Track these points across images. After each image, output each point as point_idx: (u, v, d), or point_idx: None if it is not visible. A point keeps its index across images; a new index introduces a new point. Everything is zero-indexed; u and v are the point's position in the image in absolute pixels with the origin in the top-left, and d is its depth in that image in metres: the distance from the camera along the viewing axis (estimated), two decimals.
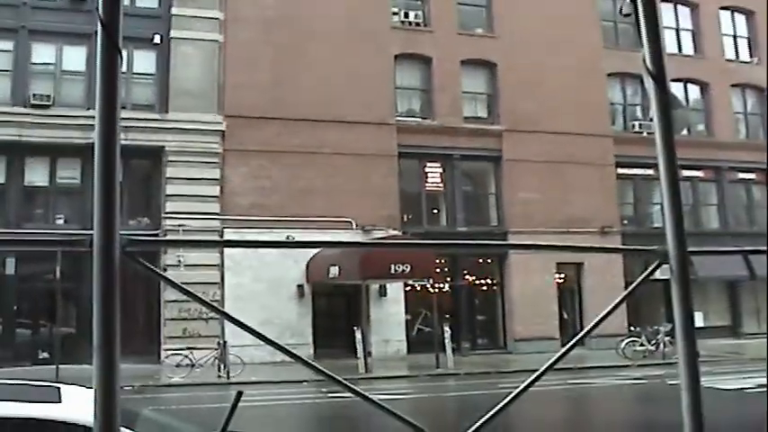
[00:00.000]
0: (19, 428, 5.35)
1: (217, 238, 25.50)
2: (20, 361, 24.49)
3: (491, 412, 1.71)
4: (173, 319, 26.16)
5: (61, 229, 25.66)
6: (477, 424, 1.70)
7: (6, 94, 26.77)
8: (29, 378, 12.00)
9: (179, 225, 26.13)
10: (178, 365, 25.25)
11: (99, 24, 1.71)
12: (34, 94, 26.62)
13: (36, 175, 26.74)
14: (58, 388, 6.25)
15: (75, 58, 27.38)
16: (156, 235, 24.63)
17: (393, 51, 29.99)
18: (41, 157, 26.57)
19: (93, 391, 3.89)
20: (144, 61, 27.53)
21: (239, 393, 2.37)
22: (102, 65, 1.63)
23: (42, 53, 27.38)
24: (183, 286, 2.00)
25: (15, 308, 26.03)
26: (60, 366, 22.68)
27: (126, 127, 24.08)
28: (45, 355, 25.11)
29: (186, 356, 25.46)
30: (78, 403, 5.73)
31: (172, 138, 26.91)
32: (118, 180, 1.51)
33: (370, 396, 1.78)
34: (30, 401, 5.61)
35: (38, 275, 25.58)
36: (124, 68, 25.69)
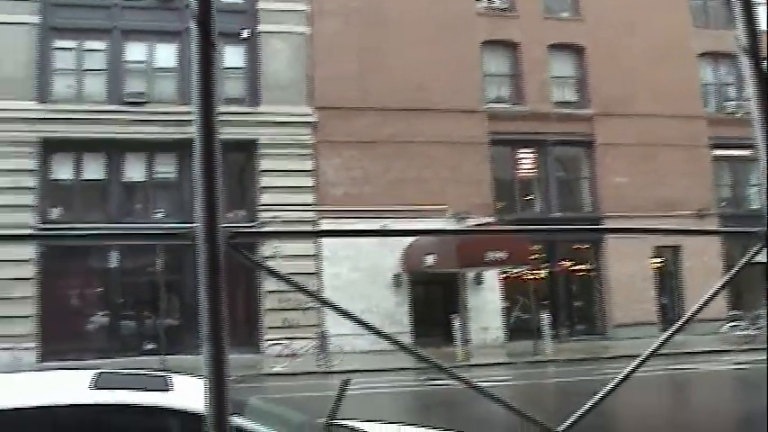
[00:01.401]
0: (131, 415, 5.68)
1: (313, 228, 27.57)
2: (126, 352, 26.57)
3: (595, 398, 1.67)
4: (272, 310, 28.06)
5: (160, 223, 27.78)
6: (582, 410, 1.68)
7: (102, 93, 29.04)
8: (136, 368, 13.24)
9: (274, 216, 28.04)
10: (279, 355, 27.16)
11: (193, 21, 1.72)
12: (129, 92, 28.86)
13: (134, 170, 28.91)
14: (168, 377, 6.56)
15: (166, 55, 29.59)
16: (253, 227, 26.56)
17: (479, 38, 31.64)
18: (139, 153, 28.74)
19: (201, 379, 5.66)
20: (233, 56, 29.55)
21: (346, 381, 2.97)
22: (198, 61, 1.70)
23: (135, 52, 29.61)
24: (289, 277, 1.92)
25: (121, 301, 28.15)
26: (165, 356, 24.71)
27: (221, 121, 26.14)
28: (150, 345, 27.18)
29: (287, 346, 27.39)
30: (188, 391, 6.00)
31: (264, 131, 28.85)
32: (219, 173, 1.53)
33: (476, 384, 1.78)
34: (141, 389, 5.90)
35: (140, 269, 27.76)
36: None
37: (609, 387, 1.64)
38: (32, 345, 26.36)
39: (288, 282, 1.81)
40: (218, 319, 1.47)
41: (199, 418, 4.77)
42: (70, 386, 6.10)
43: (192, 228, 1.58)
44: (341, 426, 6.43)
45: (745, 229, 1.68)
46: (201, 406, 3.74)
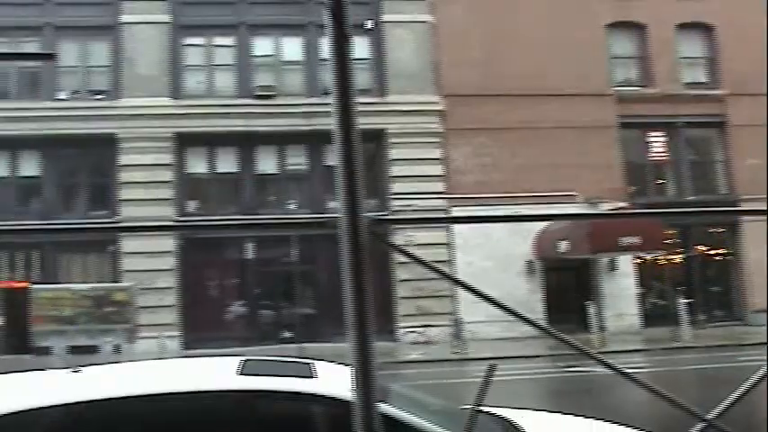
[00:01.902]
0: (279, 402, 5.90)
1: (445, 215, 28.15)
2: (264, 340, 27.61)
3: (744, 387, 1.65)
4: (406, 298, 28.73)
5: (293, 214, 28.75)
6: (731, 399, 1.68)
7: (232, 88, 30.17)
8: (279, 356, 13.58)
9: (406, 206, 28.72)
10: (414, 342, 27.80)
11: (328, 13, 1.92)
12: (258, 86, 29.90)
13: (266, 163, 29.95)
14: (311, 364, 6.76)
15: (293, 48, 30.58)
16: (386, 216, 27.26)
17: (604, 20, 31.76)
18: (270, 145, 29.76)
19: (343, 366, 5.93)
20: (359, 47, 30.18)
21: (492, 367, 2.83)
22: (333, 53, 1.85)
23: (262, 46, 30.67)
24: (433, 264, 2.32)
25: (258, 290, 29.21)
26: (303, 345, 25.56)
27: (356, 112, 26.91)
28: (287, 334, 28.14)
29: (421, 333, 28.00)
30: (332, 378, 6.17)
31: (392, 120, 29.52)
32: (359, 163, 1.63)
33: (625, 370, 1.76)
34: (286, 376, 6.13)
35: (276, 259, 28.74)
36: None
37: (759, 375, 1.61)
38: (176, 333, 27.59)
39: (432, 269, 2.21)
40: (362, 307, 1.60)
41: (344, 405, 4.75)
42: (218, 373, 6.40)
43: (335, 217, 1.77)
44: (486, 413, 6.53)
45: None
46: (347, 392, 4.09)
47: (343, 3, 1.90)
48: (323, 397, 5.73)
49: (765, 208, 2.40)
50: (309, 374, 6.23)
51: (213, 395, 5.83)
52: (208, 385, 5.96)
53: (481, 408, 2.84)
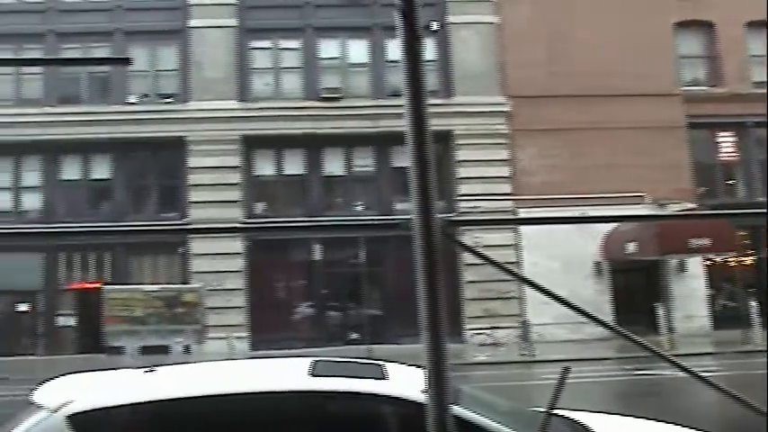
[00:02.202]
0: (350, 402, 5.95)
1: (513, 216, 28.26)
2: (332, 341, 28.02)
3: None
4: (473, 299, 28.91)
5: (360, 216, 29.08)
6: None
7: (299, 90, 30.62)
8: (349, 357, 13.59)
9: (473, 207, 28.90)
10: (482, 344, 27.96)
11: (399, 15, 1.96)
12: (324, 88, 30.32)
13: (333, 165, 30.35)
14: (382, 365, 6.81)
15: (358, 50, 30.96)
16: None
17: (672, 19, 31.63)
18: (336, 147, 30.15)
19: (413, 368, 6.18)
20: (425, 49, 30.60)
21: (566, 369, 2.83)
22: (405, 54, 1.86)
23: (328, 48, 31.09)
24: (508, 267, 2.43)
25: (325, 292, 29.60)
26: (370, 346, 25.83)
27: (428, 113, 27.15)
28: (354, 335, 28.48)
29: (489, 335, 28.16)
30: (403, 380, 6.23)
31: (459, 121, 29.72)
32: (432, 164, 1.63)
33: (700, 374, 1.76)
34: (358, 377, 6.20)
35: (343, 260, 29.11)
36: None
37: None
38: (244, 334, 28.08)
39: (506, 270, 2.30)
40: (435, 308, 1.60)
41: (416, 406, 5.23)
42: (290, 373, 6.53)
43: (408, 218, 1.81)
44: (558, 415, 6.51)
45: None
46: (418, 394, 5.25)
47: (414, 4, 1.95)
48: (395, 398, 5.82)
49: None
50: (381, 376, 6.31)
51: (286, 395, 5.97)
52: (281, 386, 6.12)
53: (554, 410, 2.81)
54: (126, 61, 2.25)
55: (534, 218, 3.23)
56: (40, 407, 5.82)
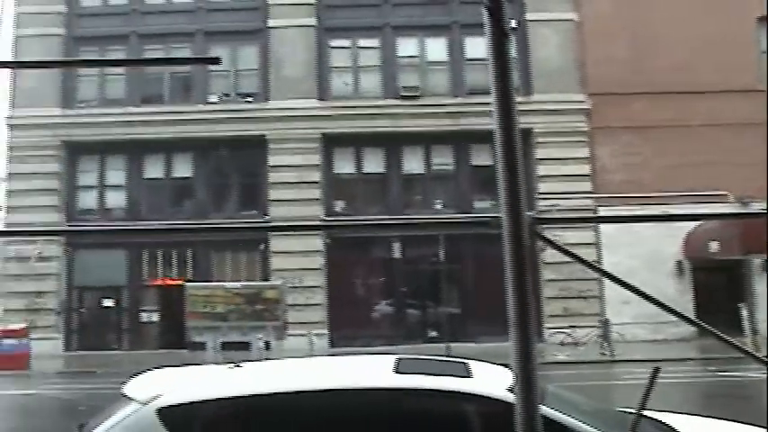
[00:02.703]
0: (436, 400, 5.98)
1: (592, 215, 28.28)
2: (410, 339, 28.30)
3: None
4: (553, 298, 28.98)
5: (440, 214, 29.37)
6: None
7: (378, 88, 31.01)
8: (432, 355, 13.60)
9: (552, 205, 28.95)
10: (561, 343, 27.96)
11: (486, 13, 1.95)
12: (403, 86, 30.65)
13: (412, 163, 30.67)
14: (466, 363, 6.82)
15: (437, 48, 31.23)
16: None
17: (754, 14, 31.23)
18: (416, 145, 30.47)
19: (496, 366, 6.20)
20: None
21: (657, 369, 2.83)
22: (492, 51, 1.86)
23: (406, 47, 31.42)
24: (598, 265, 2.49)
25: (404, 289, 29.94)
26: (449, 344, 26.00)
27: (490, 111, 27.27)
28: (433, 333, 28.75)
29: (569, 335, 28.18)
30: (488, 378, 6.27)
31: (538, 120, 29.79)
32: (520, 162, 1.66)
33: None
34: (443, 375, 6.21)
35: (422, 258, 29.42)
36: (482, 54, 28.89)
37: None
38: (324, 331, 28.54)
39: (596, 269, 2.38)
40: (524, 306, 1.59)
41: (501, 404, 5.43)
42: (375, 371, 6.59)
43: (497, 216, 1.82)
44: (647, 417, 6.42)
45: None
46: (504, 392, 5.49)
47: (501, 1, 1.95)
48: (480, 396, 5.83)
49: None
50: (466, 374, 6.34)
51: (372, 392, 6.04)
52: (366, 383, 6.19)
53: (644, 411, 2.85)
54: (215, 61, 2.45)
55: (612, 216, 3.09)
56: (130, 400, 6.03)
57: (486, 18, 1.94)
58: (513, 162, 1.71)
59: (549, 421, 5.10)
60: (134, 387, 6.29)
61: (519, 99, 24.28)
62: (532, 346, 1.57)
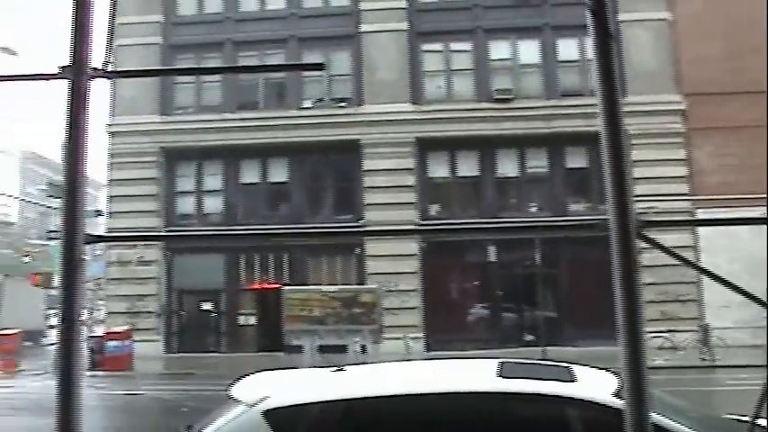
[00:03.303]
0: (541, 404, 5.97)
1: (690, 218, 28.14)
2: (507, 343, 28.46)
3: None
4: (650, 302, 28.87)
5: (534, 217, 29.52)
6: None
7: (471, 92, 31.28)
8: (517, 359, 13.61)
9: (648, 207, 28.83)
10: (660, 348, 27.86)
11: (589, 14, 1.95)
12: (496, 89, 30.87)
13: (506, 166, 30.91)
14: (569, 367, 6.75)
15: (529, 50, 31.37)
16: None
17: None
18: (509, 148, 30.68)
19: (598, 370, 6.06)
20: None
21: None
22: (597, 52, 1.85)
23: (499, 49, 31.62)
24: (704, 267, 2.56)
25: (499, 293, 30.19)
26: (546, 348, 26.10)
27: (589, 113, 27.19)
28: (530, 337, 28.91)
29: (667, 339, 28.06)
30: (594, 382, 6.23)
31: (632, 121, 29.59)
32: (627, 163, 1.60)
33: None
34: (547, 379, 6.18)
35: (517, 262, 29.61)
36: (575, 56, 28.94)
37: None
38: (420, 334, 28.91)
39: (706, 272, 2.38)
40: (634, 310, 1.57)
41: (607, 409, 5.41)
42: (479, 374, 6.66)
43: (604, 219, 1.82)
44: (760, 426, 6.49)
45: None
46: (609, 397, 5.43)
47: (605, 2, 1.95)
48: (585, 401, 5.80)
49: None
50: (570, 378, 6.31)
51: (477, 396, 6.07)
52: (471, 386, 6.23)
53: (759, 420, 2.77)
54: (319, 66, 2.71)
55: (722, 219, 3.02)
56: (237, 401, 6.16)
57: (589, 20, 1.97)
58: (621, 164, 1.71)
59: (657, 427, 5.34)
60: (241, 389, 6.46)
61: None
62: (642, 350, 1.57)
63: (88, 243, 2.00)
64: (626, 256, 1.57)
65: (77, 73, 2.14)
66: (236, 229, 29.26)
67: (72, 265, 1.97)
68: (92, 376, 25.30)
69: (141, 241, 32.29)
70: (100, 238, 2.53)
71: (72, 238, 1.95)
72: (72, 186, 2.00)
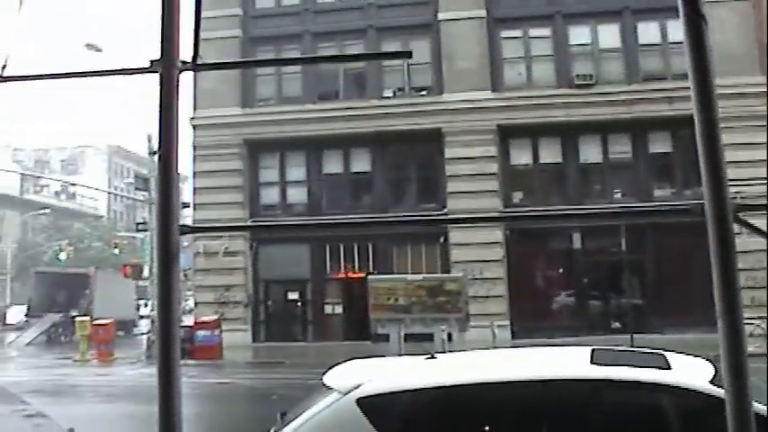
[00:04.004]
0: (634, 391, 6.00)
1: None
2: (593, 330, 28.40)
3: None
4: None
5: (619, 203, 29.36)
6: None
7: (552, 77, 31.22)
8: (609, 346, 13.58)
9: (735, 192, 28.45)
10: (750, 335, 27.44)
11: None
12: (577, 75, 30.75)
13: (589, 152, 30.81)
14: (663, 354, 6.73)
15: (609, 35, 31.15)
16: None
17: None
18: (592, 135, 30.57)
19: (693, 357, 6.06)
20: (674, 30, 30.10)
21: None
22: (689, 34, 1.84)
23: (578, 35, 31.46)
24: None
25: (585, 281, 30.16)
26: (633, 335, 25.95)
27: (673, 97, 26.95)
28: (617, 324, 28.83)
29: (758, 326, 27.71)
30: (688, 370, 6.22)
31: (722, 104, 29.31)
32: (721, 148, 1.64)
33: None
34: (642, 367, 6.19)
35: (602, 249, 29.60)
36: (656, 39, 28.59)
37: None
38: (505, 322, 29.03)
39: None
40: (732, 296, 1.60)
41: (704, 397, 5.42)
42: (573, 361, 6.66)
43: (698, 203, 1.81)
44: None
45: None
46: (706, 384, 5.42)
47: None
48: (681, 389, 5.79)
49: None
50: (665, 365, 6.26)
51: (570, 383, 6.13)
52: (565, 373, 6.29)
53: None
54: (408, 54, 2.79)
55: None
56: (330, 389, 6.25)
57: (679, 2, 1.95)
58: (715, 147, 1.71)
59: (756, 415, 5.32)
60: (334, 377, 6.55)
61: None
62: (742, 337, 1.58)
63: (183, 234, 2.05)
64: (723, 241, 1.59)
65: (168, 66, 2.18)
66: (325, 220, 29.78)
67: (168, 256, 2.02)
68: (183, 365, 25.81)
69: (232, 232, 33.09)
70: (194, 230, 2.81)
71: (167, 229, 1.99)
72: (166, 179, 2.03)
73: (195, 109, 33.11)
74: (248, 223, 32.22)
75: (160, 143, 1.97)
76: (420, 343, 24.67)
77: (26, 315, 43.48)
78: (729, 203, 1.59)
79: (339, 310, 31.92)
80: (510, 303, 29.93)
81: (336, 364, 7.04)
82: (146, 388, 18.59)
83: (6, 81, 2.54)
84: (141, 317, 43.95)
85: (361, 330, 28.45)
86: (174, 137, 1.99)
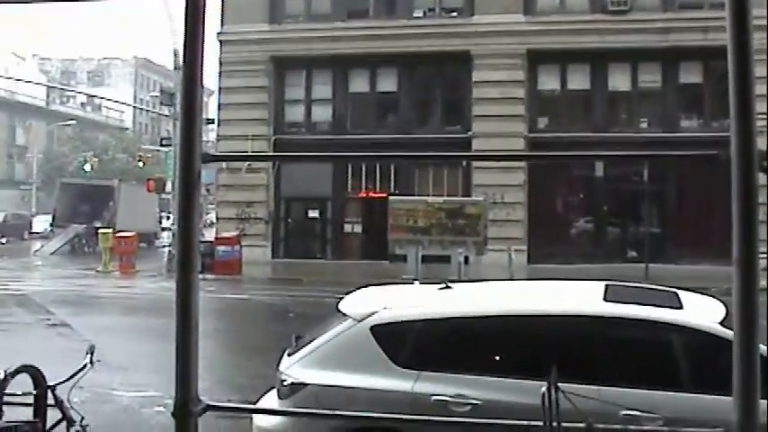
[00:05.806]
0: (645, 330, 6.31)
1: None
2: (610, 258, 29.28)
3: None
4: (762, 241, 29.12)
5: (645, 133, 29.88)
6: None
7: (585, 3, 31.65)
8: (619, 275, 14.04)
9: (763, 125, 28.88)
10: (764, 269, 28.25)
11: None
12: (612, 1, 31.02)
13: (617, 80, 31.32)
14: (676, 293, 6.99)
15: None
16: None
17: None
18: (622, 62, 31.06)
19: (705, 296, 7.10)
20: None
21: None
22: None
23: None
24: None
25: (605, 208, 30.96)
26: (648, 265, 26.57)
27: (708, 27, 27.06)
28: (633, 253, 29.63)
29: None
30: (701, 309, 6.51)
31: (757, 36, 29.49)
32: (753, 87, 1.64)
33: None
34: (654, 305, 6.41)
35: (624, 177, 30.36)
36: None
37: None
38: (523, 247, 29.90)
39: None
40: (750, 243, 1.53)
41: (713, 337, 5.77)
42: (585, 297, 7.06)
43: (724, 135, 1.71)
44: None
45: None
46: (715, 325, 6.07)
47: None
48: (692, 328, 6.14)
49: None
50: (677, 304, 6.56)
51: (582, 319, 6.47)
52: (576, 309, 6.65)
53: None
54: None
55: None
56: (345, 316, 6.67)
57: None
58: (746, 86, 1.64)
59: (764, 359, 6.02)
60: (349, 304, 6.95)
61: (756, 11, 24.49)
62: (756, 284, 1.53)
63: (205, 162, 2.00)
64: (747, 184, 1.54)
65: None
66: (346, 138, 30.54)
67: (190, 184, 1.97)
68: (202, 279, 26.86)
69: (253, 161, 33.77)
70: (217, 158, 2.89)
71: (189, 156, 1.94)
72: (190, 105, 1.96)
73: (222, 24, 33.76)
74: (269, 153, 33.07)
75: (185, 61, 1.89)
76: (437, 264, 25.54)
77: (51, 225, 44.83)
78: (757, 150, 1.53)
79: (358, 229, 33.06)
80: (528, 228, 30.92)
81: (353, 291, 7.57)
82: (166, 301, 18.85)
83: None
84: (163, 229, 45.09)
85: (380, 250, 29.48)
86: (199, 60, 1.89)
